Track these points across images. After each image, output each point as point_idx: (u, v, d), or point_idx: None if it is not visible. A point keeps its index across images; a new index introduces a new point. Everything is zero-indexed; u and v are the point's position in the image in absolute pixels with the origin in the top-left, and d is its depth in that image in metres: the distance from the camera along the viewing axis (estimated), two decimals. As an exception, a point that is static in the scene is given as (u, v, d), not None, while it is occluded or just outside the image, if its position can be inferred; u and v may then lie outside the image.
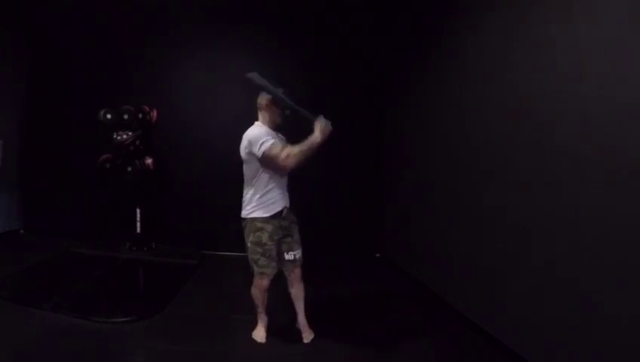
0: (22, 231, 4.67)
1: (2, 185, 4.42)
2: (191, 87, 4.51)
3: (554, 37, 1.99)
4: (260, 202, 2.17)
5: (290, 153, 2.06)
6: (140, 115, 3.96)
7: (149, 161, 4.07)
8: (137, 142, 3.97)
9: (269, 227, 2.17)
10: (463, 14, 2.92)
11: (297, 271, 2.33)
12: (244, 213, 2.22)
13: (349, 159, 4.44)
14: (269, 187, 2.17)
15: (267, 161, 2.11)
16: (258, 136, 2.10)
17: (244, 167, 2.22)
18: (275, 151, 2.06)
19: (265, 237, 2.16)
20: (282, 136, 2.31)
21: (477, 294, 2.61)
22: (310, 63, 4.43)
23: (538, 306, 2.04)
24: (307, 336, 2.36)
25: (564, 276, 1.88)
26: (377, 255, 4.51)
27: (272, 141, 2.09)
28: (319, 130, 2.11)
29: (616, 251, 1.61)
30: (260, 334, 2.34)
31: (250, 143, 2.11)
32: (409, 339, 2.47)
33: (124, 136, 3.90)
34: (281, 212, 2.21)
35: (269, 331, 2.37)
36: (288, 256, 2.28)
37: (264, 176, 2.16)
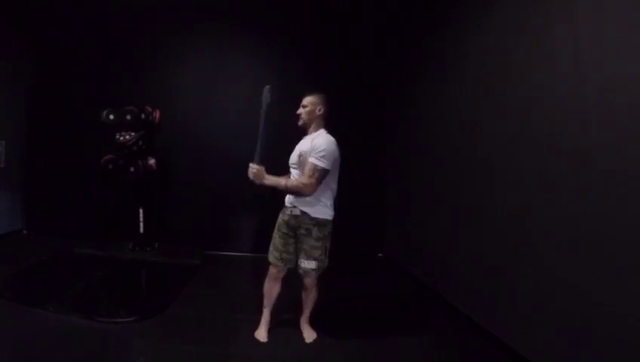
0: (24, 232, 4.68)
1: (5, 185, 4.43)
2: (191, 87, 4.52)
3: (554, 37, 1.99)
4: None
5: None
6: (143, 116, 3.97)
7: (151, 161, 4.07)
8: (140, 143, 3.98)
9: (279, 217, 2.32)
10: (464, 14, 2.92)
11: (306, 281, 2.30)
12: None
13: (349, 159, 4.43)
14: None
15: None
16: None
17: None
18: None
19: (276, 225, 2.32)
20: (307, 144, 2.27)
21: (478, 293, 2.62)
22: (310, 63, 4.43)
23: (538, 306, 2.05)
24: (309, 336, 2.38)
25: (564, 276, 1.88)
26: (380, 254, 4.52)
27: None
28: (250, 169, 2.16)
29: (617, 251, 1.62)
30: (261, 334, 2.36)
31: None
32: (410, 339, 2.48)
33: (127, 137, 3.90)
34: (286, 208, 2.29)
35: (272, 331, 2.39)
36: (298, 263, 2.28)
37: None
